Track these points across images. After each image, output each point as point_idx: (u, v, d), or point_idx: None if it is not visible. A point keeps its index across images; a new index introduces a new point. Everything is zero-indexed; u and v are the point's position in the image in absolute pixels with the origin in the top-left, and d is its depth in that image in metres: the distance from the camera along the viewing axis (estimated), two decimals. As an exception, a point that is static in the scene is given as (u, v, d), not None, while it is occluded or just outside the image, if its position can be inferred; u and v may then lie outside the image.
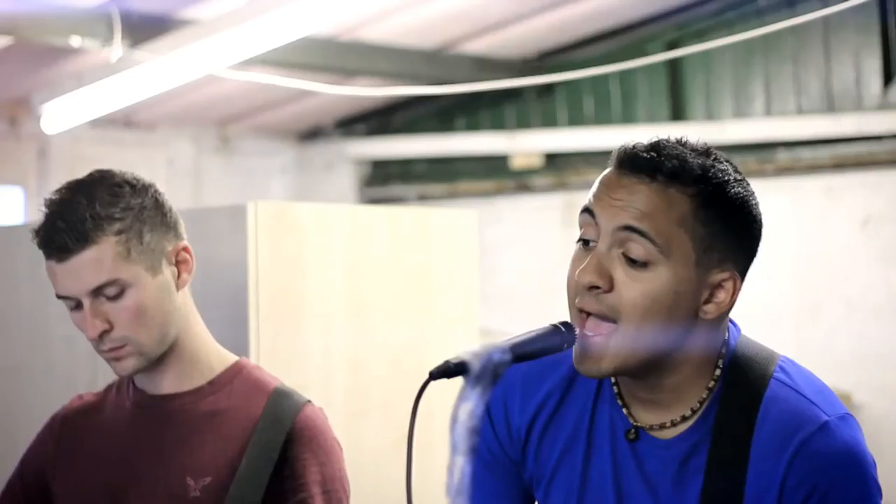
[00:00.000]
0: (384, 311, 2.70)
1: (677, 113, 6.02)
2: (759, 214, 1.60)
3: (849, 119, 5.44)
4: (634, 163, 1.55)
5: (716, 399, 1.59)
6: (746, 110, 5.83)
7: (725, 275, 1.55)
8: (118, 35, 4.55)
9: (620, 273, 1.53)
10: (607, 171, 1.59)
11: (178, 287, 2.01)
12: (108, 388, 2.14)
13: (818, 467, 1.52)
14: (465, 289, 2.88)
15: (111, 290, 1.92)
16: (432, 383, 1.44)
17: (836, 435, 1.54)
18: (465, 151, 6.74)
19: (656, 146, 1.56)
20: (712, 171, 1.54)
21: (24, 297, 3.05)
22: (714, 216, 1.54)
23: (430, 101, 6.77)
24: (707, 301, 1.55)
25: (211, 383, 2.04)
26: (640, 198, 1.53)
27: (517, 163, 6.57)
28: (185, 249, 2.03)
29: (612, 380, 1.65)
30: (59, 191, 1.96)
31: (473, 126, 6.82)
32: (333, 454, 2.04)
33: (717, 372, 1.59)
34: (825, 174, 5.56)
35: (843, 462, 1.53)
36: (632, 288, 1.52)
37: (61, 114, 5.55)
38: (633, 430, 1.62)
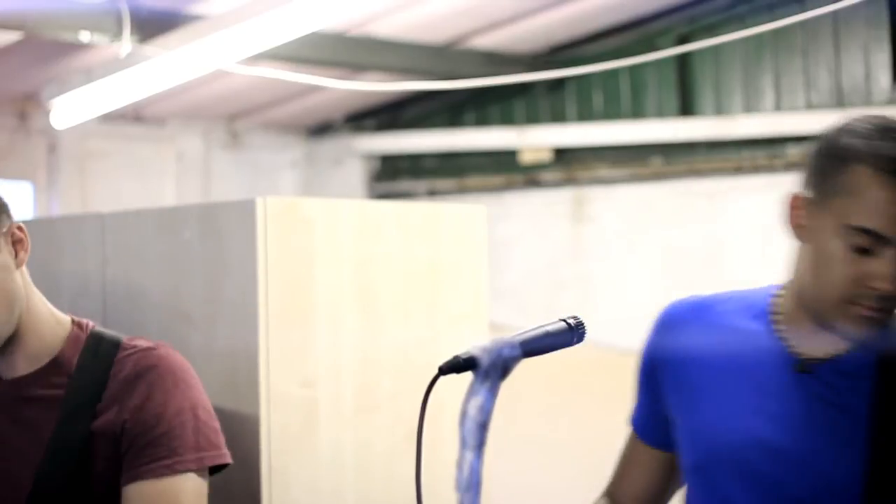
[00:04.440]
0: (393, 307, 2.70)
1: (687, 108, 6.00)
2: None
3: (858, 114, 5.42)
4: None
5: None
6: (756, 105, 5.81)
7: None
8: (127, 30, 4.55)
9: None
10: (881, 183, 1.67)
11: (16, 266, 1.99)
12: None
13: None
14: (475, 284, 2.88)
15: None
16: (442, 378, 1.44)
17: None
18: (475, 146, 6.73)
19: None
20: None
21: (34, 292, 3.05)
22: None
23: (439, 96, 6.77)
24: None
25: (54, 360, 2.02)
26: None
27: (526, 157, 6.56)
28: (20, 228, 2.01)
29: (774, 318, 1.79)
30: None
31: (483, 121, 6.81)
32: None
33: None
34: (835, 169, 5.54)
35: None
36: None
37: (71, 109, 5.56)
38: (800, 364, 1.74)
